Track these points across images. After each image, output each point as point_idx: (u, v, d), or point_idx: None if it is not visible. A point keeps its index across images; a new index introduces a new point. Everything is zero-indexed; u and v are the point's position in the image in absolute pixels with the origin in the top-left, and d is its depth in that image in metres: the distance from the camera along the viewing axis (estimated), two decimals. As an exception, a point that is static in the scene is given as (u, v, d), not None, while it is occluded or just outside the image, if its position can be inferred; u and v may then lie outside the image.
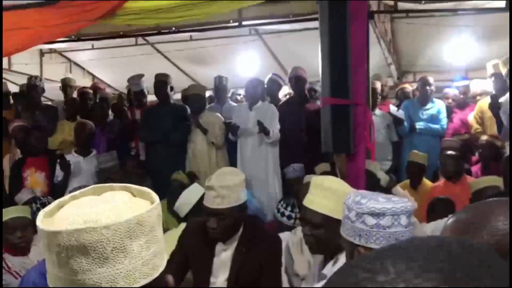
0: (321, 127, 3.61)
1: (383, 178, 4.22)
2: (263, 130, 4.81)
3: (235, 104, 5.82)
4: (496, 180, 3.43)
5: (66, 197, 0.99)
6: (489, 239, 0.86)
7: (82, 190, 1.02)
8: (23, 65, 7.48)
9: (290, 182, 4.84)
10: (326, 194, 2.08)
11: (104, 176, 4.87)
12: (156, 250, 0.90)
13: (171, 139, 5.14)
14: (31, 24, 4.22)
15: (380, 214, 1.71)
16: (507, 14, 5.09)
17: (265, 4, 5.16)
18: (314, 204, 2.09)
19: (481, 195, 3.14)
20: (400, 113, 5.39)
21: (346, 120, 3.45)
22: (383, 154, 5.09)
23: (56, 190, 4.70)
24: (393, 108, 5.44)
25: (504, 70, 4.71)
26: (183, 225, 3.01)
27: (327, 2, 3.45)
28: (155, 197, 0.96)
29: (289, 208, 3.49)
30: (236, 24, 5.46)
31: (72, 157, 5.05)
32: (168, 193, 4.10)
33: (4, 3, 4.03)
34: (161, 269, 0.91)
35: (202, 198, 3.15)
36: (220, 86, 5.77)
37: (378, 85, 5.55)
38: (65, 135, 5.42)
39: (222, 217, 2.44)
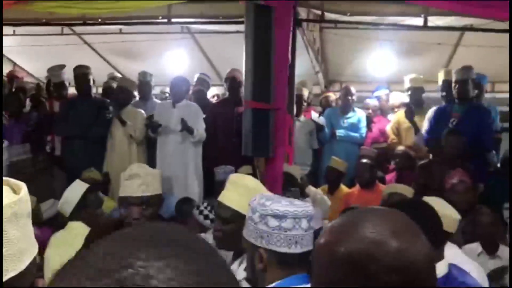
0: (242, 130, 3.64)
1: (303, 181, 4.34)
2: (187, 129, 4.76)
3: (159, 101, 5.71)
4: (403, 188, 3.60)
5: None
6: (355, 246, 0.89)
7: None
8: None
9: (219, 184, 4.80)
10: (240, 191, 2.10)
11: (15, 170, 4.62)
12: (6, 253, 0.84)
13: (90, 133, 4.97)
14: None
15: (282, 216, 1.74)
16: (425, 32, 5.40)
17: (196, 3, 5.14)
18: (226, 199, 2.11)
19: (386, 201, 3.29)
20: (322, 120, 5.55)
21: (266, 124, 3.50)
22: (303, 159, 5.20)
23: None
24: (315, 115, 5.59)
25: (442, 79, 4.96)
26: (71, 225, 2.91)
27: (253, 5, 3.48)
28: (22, 196, 0.90)
29: (208, 208, 3.46)
30: (165, 20, 5.37)
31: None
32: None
33: None
34: (12, 273, 0.84)
35: (85, 195, 3.09)
36: (144, 81, 5.66)
37: (304, 92, 5.69)
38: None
39: (146, 205, 2.39)
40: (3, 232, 0.84)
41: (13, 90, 5.78)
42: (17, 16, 5.48)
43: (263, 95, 3.50)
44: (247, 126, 3.51)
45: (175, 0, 4.21)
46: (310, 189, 4.37)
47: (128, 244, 0.51)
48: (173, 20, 5.43)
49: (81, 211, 3.02)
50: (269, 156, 3.50)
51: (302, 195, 4.23)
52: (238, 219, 2.04)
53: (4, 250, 0.84)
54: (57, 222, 3.90)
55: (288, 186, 3.95)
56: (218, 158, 4.97)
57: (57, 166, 4.94)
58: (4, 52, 7.73)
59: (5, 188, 0.93)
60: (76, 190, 3.14)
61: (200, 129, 4.87)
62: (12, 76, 6.24)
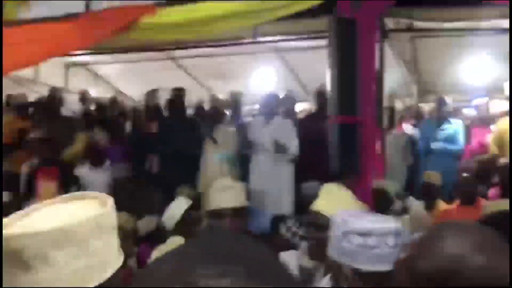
0: (328, 146, 3.58)
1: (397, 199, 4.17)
2: (280, 150, 4.79)
3: (248, 119, 5.81)
4: (506, 205, 3.30)
5: (40, 203, 1.00)
6: (436, 262, 0.83)
7: (55, 198, 1.03)
8: (49, 76, 7.71)
9: (306, 200, 4.77)
10: (335, 199, 2.12)
11: (116, 188, 4.93)
12: (89, 263, 0.88)
13: (185, 152, 5.18)
14: (48, 36, 4.34)
15: (367, 233, 1.68)
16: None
17: (282, 21, 5.20)
18: (320, 207, 2.12)
19: (488, 219, 3.04)
20: (416, 133, 5.31)
21: (353, 139, 3.42)
22: (398, 175, 5.00)
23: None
24: (408, 128, 5.36)
25: None
26: (173, 240, 3.01)
27: (336, 19, 3.44)
28: (108, 210, 0.95)
29: (296, 225, 3.43)
30: (252, 40, 5.49)
31: (86, 169, 5.14)
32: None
33: (22, 16, 4.18)
34: (93, 283, 0.89)
35: (188, 211, 3.20)
36: (235, 101, 5.79)
37: (396, 104, 5.52)
38: (80, 147, 5.51)
39: (240, 215, 2.51)
40: (88, 244, 0.88)
41: (115, 113, 6.17)
42: (117, 44, 5.90)
43: (349, 109, 3.43)
44: (334, 142, 3.45)
45: (261, 20, 4.26)
46: (411, 200, 4.19)
47: (194, 261, 0.51)
48: (260, 39, 5.53)
49: (182, 226, 3.15)
50: (357, 173, 3.40)
51: (403, 211, 4.08)
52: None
53: (87, 260, 0.89)
54: (155, 238, 4.09)
55: (381, 203, 3.82)
56: (307, 173, 4.94)
57: (154, 184, 5.19)
58: (107, 78, 8.37)
59: (94, 202, 0.98)
60: (179, 206, 3.29)
61: (293, 146, 4.85)
62: (114, 100, 6.69)
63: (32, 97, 6.79)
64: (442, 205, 4.73)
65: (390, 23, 5.15)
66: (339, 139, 3.43)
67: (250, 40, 5.56)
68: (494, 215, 2.96)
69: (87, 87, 7.56)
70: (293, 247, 3.25)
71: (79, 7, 4.42)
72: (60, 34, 4.27)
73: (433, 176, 4.72)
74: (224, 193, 2.57)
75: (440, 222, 4.02)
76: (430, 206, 4.69)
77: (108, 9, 4.29)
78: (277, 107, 5.12)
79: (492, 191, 4.81)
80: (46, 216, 0.92)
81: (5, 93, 6.32)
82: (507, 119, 4.96)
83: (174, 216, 3.24)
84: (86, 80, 8.12)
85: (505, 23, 4.88)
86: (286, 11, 3.91)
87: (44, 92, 7.65)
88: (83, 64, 7.95)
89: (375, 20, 3.54)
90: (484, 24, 4.96)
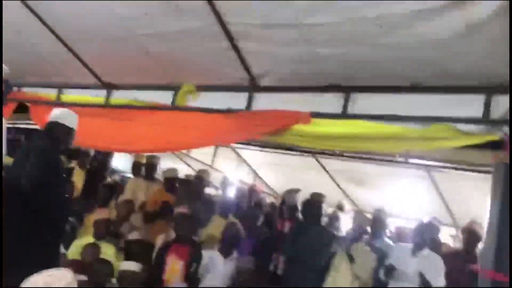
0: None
1: None
2: (425, 284, 4.47)
3: (392, 244, 5.45)
4: None
5: None
6: None
7: None
8: (199, 154, 8.28)
9: None
10: None
11: (237, 279, 4.92)
12: None
13: (315, 261, 5.03)
14: (210, 126, 4.66)
15: None
16: None
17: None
18: None
19: None
20: None
21: (505, 301, 3.00)
22: None
23: (190, 282, 4.84)
24: None
25: None
26: None
27: (504, 166, 3.16)
28: None
29: None
30: (403, 160, 5.31)
31: (214, 254, 5.22)
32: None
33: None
34: None
35: None
36: (379, 219, 5.52)
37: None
38: (214, 230, 5.65)
39: None
40: None
41: (252, 203, 6.30)
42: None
43: (504, 265, 3.04)
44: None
45: (417, 147, 4.11)
46: None
47: None
48: (411, 160, 5.32)
49: None
50: None
51: None
52: None
53: None
54: None
55: None
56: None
57: (276, 285, 5.08)
58: (251, 163, 8.69)
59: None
60: None
61: (439, 284, 4.50)
62: (253, 189, 6.86)
63: (181, 171, 7.29)
64: None
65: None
66: (488, 297, 3.04)
67: (401, 159, 5.38)
68: None
69: (230, 168, 7.91)
70: None
71: (241, 104, 4.69)
72: (220, 126, 4.56)
73: None
74: None
75: None
76: None
77: (267, 110, 4.48)
78: (430, 238, 4.80)
79: None
80: None
81: (163, 163, 6.89)
82: None
83: None
84: (230, 161, 8.53)
85: None
86: (444, 144, 3.72)
87: (195, 166, 8.23)
88: (231, 147, 8.39)
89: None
90: None
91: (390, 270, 4.68)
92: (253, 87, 4.62)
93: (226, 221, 5.75)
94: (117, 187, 6.72)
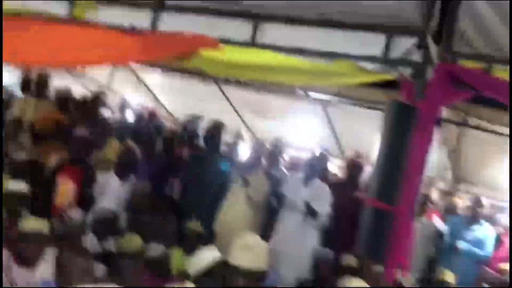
0: (359, 227, 3.47)
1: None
2: (311, 213, 4.71)
3: (286, 173, 5.65)
4: None
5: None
6: None
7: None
8: (96, 74, 7.83)
9: (318, 265, 4.61)
10: None
11: (133, 203, 4.88)
12: None
13: (211, 186, 5.12)
14: (111, 44, 4.38)
15: None
16: None
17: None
18: None
19: None
20: (444, 227, 5.16)
21: (386, 228, 3.30)
22: (416, 266, 4.83)
23: (83, 205, 4.71)
24: (437, 220, 5.22)
25: None
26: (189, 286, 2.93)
27: (397, 104, 3.37)
28: None
29: None
30: (302, 93, 5.46)
31: (111, 177, 5.10)
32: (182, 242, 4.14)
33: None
34: None
35: (217, 263, 3.11)
36: (276, 150, 5.70)
37: (432, 192, 5.40)
38: (110, 153, 5.49)
39: (252, 278, 2.45)
40: None
41: (151, 128, 6.17)
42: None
43: (389, 196, 3.32)
44: (366, 225, 3.34)
45: (320, 82, 4.23)
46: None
47: None
48: (310, 93, 5.48)
49: (204, 278, 3.04)
50: (382, 263, 3.28)
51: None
52: None
53: None
54: (158, 267, 4.01)
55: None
56: (323, 239, 4.83)
57: (172, 211, 5.12)
58: (151, 87, 8.42)
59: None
60: (208, 258, 3.16)
61: (324, 213, 4.78)
62: (153, 114, 6.70)
63: (77, 91, 6.86)
64: (454, 308, 4.55)
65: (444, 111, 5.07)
66: (371, 223, 3.32)
67: (299, 92, 5.52)
68: None
69: (129, 91, 7.61)
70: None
71: (145, 24, 4.45)
72: (123, 45, 4.30)
73: (447, 275, 4.56)
74: (246, 253, 2.52)
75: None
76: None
77: (173, 32, 4.31)
78: (321, 169, 5.05)
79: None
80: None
81: (56, 82, 6.43)
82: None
83: (199, 265, 3.13)
84: (129, 83, 8.19)
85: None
86: (346, 80, 3.87)
87: (90, 86, 7.78)
88: (131, 69, 8.02)
89: (436, 113, 3.47)
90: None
91: (281, 198, 4.89)
92: (158, 4, 4.39)
93: (123, 144, 5.59)
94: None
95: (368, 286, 2.78)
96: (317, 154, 5.27)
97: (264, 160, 5.52)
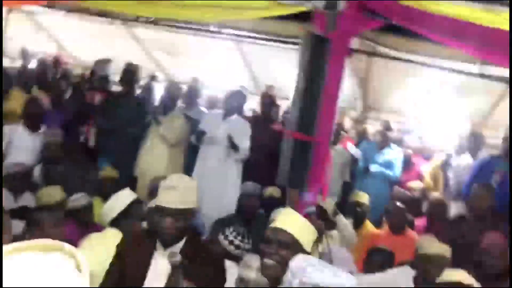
0: (279, 158, 3.57)
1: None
2: (233, 146, 4.74)
3: (205, 111, 5.62)
4: (445, 250, 3.40)
5: (11, 246, 0.88)
6: None
7: (30, 242, 0.91)
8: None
9: (244, 198, 4.69)
10: (299, 223, 2.19)
11: (45, 154, 4.65)
12: None
13: (128, 130, 5.00)
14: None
15: (324, 288, 1.68)
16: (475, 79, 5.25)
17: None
18: (286, 225, 2.15)
19: (429, 261, 3.14)
20: (357, 153, 5.45)
21: (305, 157, 3.43)
22: (333, 190, 5.11)
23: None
24: (351, 147, 5.49)
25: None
26: (110, 232, 2.90)
27: (311, 35, 3.42)
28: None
29: (239, 238, 3.37)
30: (216, 30, 5.36)
31: (20, 130, 4.81)
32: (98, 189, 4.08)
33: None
34: None
35: (132, 203, 3.10)
36: (194, 89, 5.62)
37: (344, 120, 5.63)
38: (16, 105, 5.13)
39: (180, 217, 2.41)
40: None
41: (58, 75, 5.81)
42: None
43: (307, 127, 3.43)
44: (286, 156, 3.45)
45: (235, 16, 4.16)
46: (341, 219, 4.26)
47: None
48: (223, 30, 5.40)
49: (122, 220, 3.02)
50: (305, 190, 3.43)
51: (331, 224, 4.16)
52: (295, 247, 2.09)
53: None
54: (80, 216, 3.92)
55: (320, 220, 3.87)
56: (245, 173, 4.94)
57: (89, 157, 4.95)
58: (53, 31, 7.84)
59: (66, 259, 0.89)
60: (123, 198, 3.14)
61: (245, 147, 4.82)
62: (58, 60, 6.29)
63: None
64: (369, 226, 4.89)
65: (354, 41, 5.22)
66: (291, 154, 3.43)
67: (214, 28, 5.41)
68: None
69: (28, 36, 7.05)
70: (231, 257, 3.21)
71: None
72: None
73: (362, 196, 4.86)
74: (171, 193, 2.49)
75: (370, 244, 4.16)
76: (357, 225, 4.84)
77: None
78: (240, 105, 5.05)
79: (418, 222, 5.03)
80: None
81: None
82: (442, 155, 5.22)
83: (115, 208, 3.09)
84: (27, 28, 7.58)
85: (459, 65, 5.11)
86: (261, 13, 3.85)
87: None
88: (26, 11, 7.39)
89: (348, 42, 3.56)
90: (440, 61, 5.13)
91: (201, 135, 4.87)
92: None
93: (27, 94, 5.25)
94: None
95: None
96: (234, 90, 5.24)
97: (181, 101, 5.43)
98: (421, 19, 3.43)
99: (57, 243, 0.92)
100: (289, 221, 2.19)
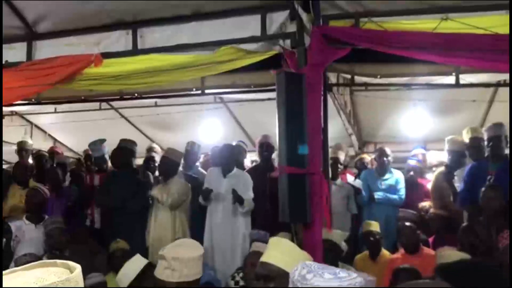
0: (276, 196, 3.59)
1: (345, 248, 4.21)
2: (238, 200, 4.77)
3: (204, 171, 5.68)
4: (465, 256, 3.36)
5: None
6: None
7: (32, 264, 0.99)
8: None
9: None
10: (282, 249, 2.18)
11: (49, 242, 4.64)
12: None
13: (129, 206, 5.03)
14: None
15: (324, 293, 1.66)
16: (458, 90, 5.36)
17: (227, 73, 5.29)
18: (267, 257, 2.16)
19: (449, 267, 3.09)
20: (358, 183, 5.47)
21: (302, 189, 3.45)
22: (342, 224, 5.08)
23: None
24: (351, 178, 5.52)
25: (468, 136, 4.88)
26: None
27: (284, 74, 3.54)
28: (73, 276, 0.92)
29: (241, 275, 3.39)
30: (199, 92, 5.53)
31: (23, 224, 4.85)
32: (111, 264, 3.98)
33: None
34: None
35: (145, 269, 3.09)
36: (191, 151, 5.74)
37: (340, 155, 5.69)
38: (16, 200, 5.21)
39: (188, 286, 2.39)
40: None
41: (54, 165, 5.93)
42: (57, 94, 5.74)
43: (298, 160, 3.47)
44: (284, 192, 3.46)
45: (209, 73, 4.32)
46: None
47: None
48: (207, 91, 5.58)
49: (137, 285, 3.02)
50: (307, 221, 3.42)
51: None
52: (279, 276, 2.08)
53: None
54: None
55: (330, 253, 3.85)
56: (253, 224, 4.93)
57: (96, 240, 4.95)
58: (45, 129, 8.08)
59: (61, 269, 0.95)
60: (135, 264, 3.15)
61: (250, 198, 4.86)
62: (52, 151, 6.45)
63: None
64: (386, 253, 4.82)
65: (332, 77, 5.38)
66: (288, 189, 3.45)
67: (196, 91, 5.59)
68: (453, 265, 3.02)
69: (25, 137, 7.24)
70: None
71: (21, 56, 4.30)
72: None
73: (372, 225, 4.84)
74: (176, 265, 2.44)
75: (389, 271, 4.09)
76: (375, 255, 4.78)
77: (52, 58, 4.19)
78: (235, 159, 5.13)
79: (431, 239, 4.95)
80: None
81: None
82: (441, 169, 5.22)
83: (129, 274, 3.09)
84: (21, 131, 7.79)
85: (437, 79, 5.24)
86: (232, 65, 4.00)
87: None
88: (19, 114, 7.64)
89: (321, 75, 3.67)
90: (419, 79, 5.27)
91: (206, 193, 4.91)
92: (30, 34, 4.25)
93: (26, 188, 5.33)
94: None
95: None
96: (231, 145, 5.33)
97: (181, 165, 5.53)
98: (384, 39, 3.57)
99: None
100: (274, 253, 2.18)
